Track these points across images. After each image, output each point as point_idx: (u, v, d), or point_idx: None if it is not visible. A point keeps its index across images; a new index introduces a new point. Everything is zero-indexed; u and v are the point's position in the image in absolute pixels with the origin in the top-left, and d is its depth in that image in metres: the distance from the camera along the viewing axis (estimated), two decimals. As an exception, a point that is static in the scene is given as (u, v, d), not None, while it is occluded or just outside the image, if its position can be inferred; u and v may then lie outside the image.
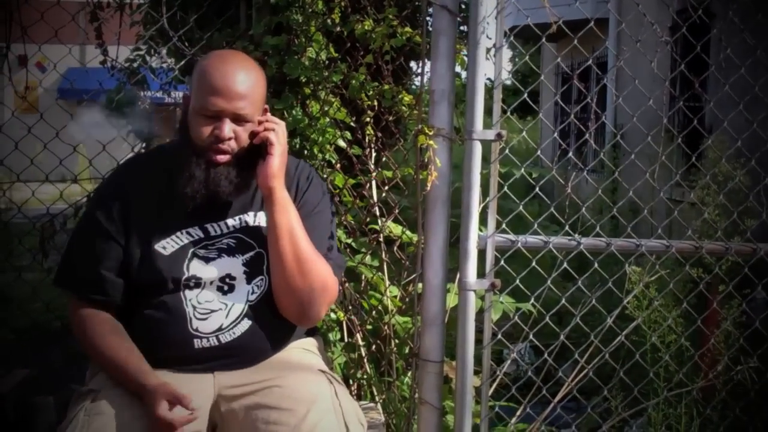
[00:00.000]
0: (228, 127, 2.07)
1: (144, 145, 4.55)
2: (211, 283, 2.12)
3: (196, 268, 2.13)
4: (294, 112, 2.96)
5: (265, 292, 2.16)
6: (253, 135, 2.13)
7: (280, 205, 2.12)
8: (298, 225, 2.13)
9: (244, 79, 2.10)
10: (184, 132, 2.15)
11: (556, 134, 3.03)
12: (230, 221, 2.18)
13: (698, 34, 3.05)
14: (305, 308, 2.15)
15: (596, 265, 2.71)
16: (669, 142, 3.23)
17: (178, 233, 2.14)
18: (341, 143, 3.07)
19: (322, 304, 2.18)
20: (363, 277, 3.13)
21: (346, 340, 3.16)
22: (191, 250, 2.13)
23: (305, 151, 2.99)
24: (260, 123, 2.15)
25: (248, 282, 2.15)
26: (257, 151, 2.14)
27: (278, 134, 2.14)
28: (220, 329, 2.10)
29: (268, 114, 2.20)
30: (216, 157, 2.09)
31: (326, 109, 3.01)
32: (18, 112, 3.15)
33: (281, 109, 2.94)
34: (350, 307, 3.13)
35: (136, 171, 2.26)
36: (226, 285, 2.13)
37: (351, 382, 3.12)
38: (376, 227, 3.13)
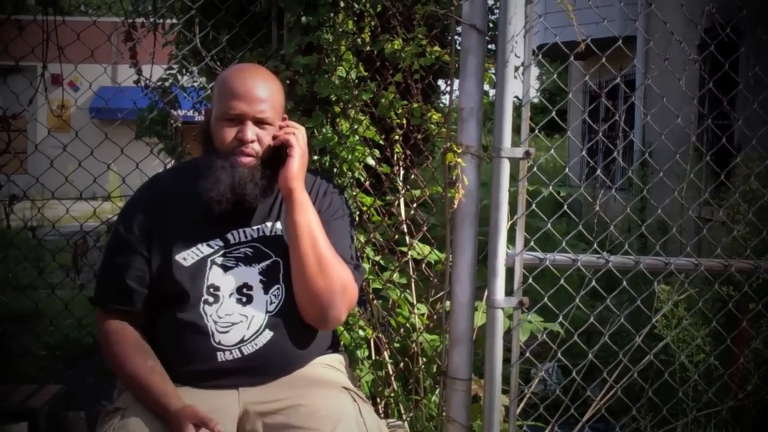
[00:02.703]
0: (251, 130, 2.14)
1: (173, 162, 4.61)
2: (230, 295, 2.15)
3: (215, 276, 2.16)
4: (324, 130, 2.99)
5: (284, 302, 2.18)
6: (274, 139, 2.19)
7: (300, 206, 2.15)
8: (318, 226, 2.16)
9: (263, 85, 2.18)
10: (207, 142, 2.21)
11: (584, 152, 3.03)
12: (249, 230, 2.22)
13: (726, 52, 3.05)
14: (326, 310, 2.16)
15: (624, 283, 2.71)
16: (698, 160, 3.22)
17: (200, 245, 2.18)
18: (370, 161, 3.09)
19: (342, 306, 2.18)
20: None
21: (373, 357, 3.16)
22: (210, 259, 2.17)
23: (335, 169, 3.02)
24: (280, 128, 2.20)
25: (265, 292, 2.17)
26: (279, 156, 2.19)
27: (298, 137, 2.20)
28: (242, 341, 2.12)
29: (288, 120, 2.25)
30: (241, 160, 2.14)
31: (356, 127, 3.04)
32: (51, 130, 3.21)
33: (312, 127, 2.98)
34: (378, 325, 3.14)
35: (159, 186, 2.32)
36: (244, 296, 2.15)
37: (378, 399, 3.13)
38: (404, 249, 3.15)
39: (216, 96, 2.19)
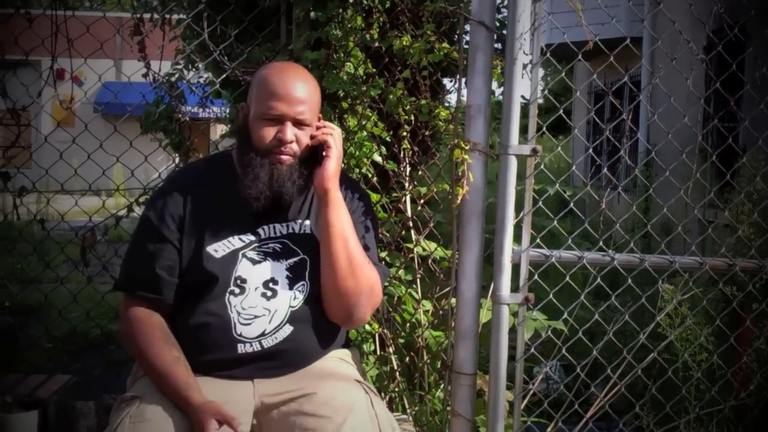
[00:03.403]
0: (290, 131, 2.17)
1: (178, 158, 4.62)
2: (256, 289, 2.17)
3: (243, 269, 2.18)
4: (332, 126, 3.00)
5: (307, 298, 2.21)
6: (311, 139, 2.22)
7: (334, 206, 2.18)
8: (350, 227, 2.20)
9: (303, 86, 2.20)
10: (245, 139, 2.24)
11: (590, 150, 3.05)
12: (279, 227, 2.25)
13: (733, 54, 3.07)
14: (352, 310, 2.19)
15: (629, 281, 2.72)
16: (703, 161, 3.24)
17: (231, 238, 2.20)
18: (377, 158, 3.11)
19: (368, 307, 2.22)
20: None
21: (378, 353, 3.18)
22: (241, 252, 2.20)
23: (342, 165, 3.03)
24: (318, 128, 2.23)
25: (290, 287, 2.20)
26: (315, 155, 2.22)
27: (335, 138, 2.23)
28: (263, 334, 2.15)
29: (324, 121, 2.28)
30: (280, 158, 2.17)
31: (363, 123, 3.05)
32: (56, 125, 3.24)
33: (320, 123, 2.99)
34: (383, 321, 3.15)
35: (193, 176, 2.35)
36: (269, 291, 2.18)
37: (383, 394, 3.15)
38: (410, 245, 3.16)
39: (255, 94, 2.21)
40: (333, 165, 2.20)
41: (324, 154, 2.21)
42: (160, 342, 2.12)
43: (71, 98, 3.31)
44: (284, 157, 2.17)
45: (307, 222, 2.27)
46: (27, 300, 4.32)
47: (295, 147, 2.18)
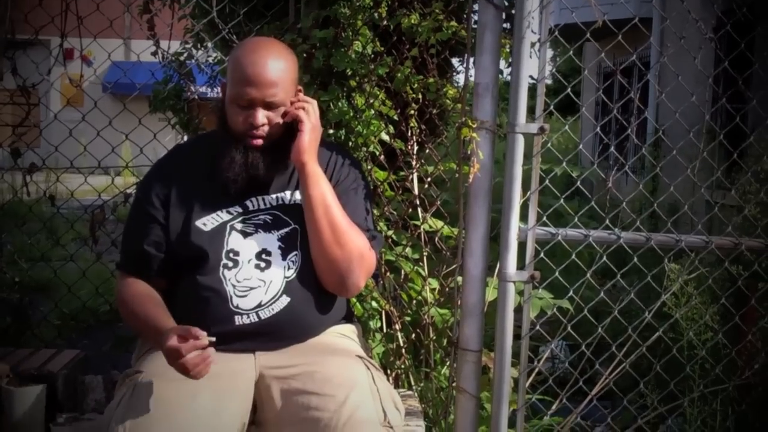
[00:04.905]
0: (261, 115, 2.18)
1: (187, 137, 4.63)
2: (249, 261, 2.20)
3: (234, 241, 2.22)
4: (340, 104, 3.01)
5: (301, 268, 2.23)
6: (284, 116, 2.23)
7: (312, 178, 2.20)
8: (332, 197, 2.22)
9: (274, 67, 2.19)
10: (223, 119, 2.27)
11: (598, 129, 3.05)
12: (268, 198, 2.28)
13: (742, 34, 3.06)
14: (344, 278, 2.22)
15: (635, 259, 2.73)
16: (710, 141, 3.23)
17: (219, 211, 2.24)
18: (385, 136, 3.12)
19: (361, 274, 2.25)
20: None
21: (385, 330, 3.20)
22: (230, 224, 2.23)
23: (350, 143, 3.05)
24: (292, 103, 2.24)
25: (283, 258, 2.23)
26: (292, 131, 2.23)
27: (308, 112, 2.24)
28: (259, 305, 2.17)
29: (300, 94, 2.29)
30: (253, 142, 2.20)
31: (371, 101, 3.06)
32: (65, 104, 3.26)
33: (327, 100, 3.00)
34: (390, 298, 3.17)
35: (179, 156, 2.41)
36: (263, 261, 2.21)
37: (389, 371, 3.17)
38: (417, 222, 3.18)
39: (229, 76, 2.23)
40: (307, 138, 2.21)
41: (298, 128, 2.22)
42: (142, 298, 2.20)
43: (80, 77, 3.33)
44: (257, 141, 2.20)
45: (297, 193, 2.30)
46: (37, 276, 4.36)
47: (266, 129, 2.21)
